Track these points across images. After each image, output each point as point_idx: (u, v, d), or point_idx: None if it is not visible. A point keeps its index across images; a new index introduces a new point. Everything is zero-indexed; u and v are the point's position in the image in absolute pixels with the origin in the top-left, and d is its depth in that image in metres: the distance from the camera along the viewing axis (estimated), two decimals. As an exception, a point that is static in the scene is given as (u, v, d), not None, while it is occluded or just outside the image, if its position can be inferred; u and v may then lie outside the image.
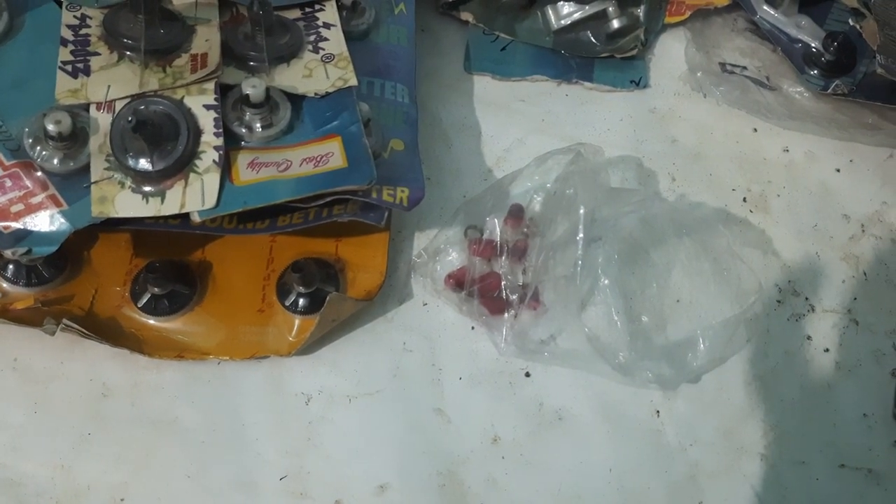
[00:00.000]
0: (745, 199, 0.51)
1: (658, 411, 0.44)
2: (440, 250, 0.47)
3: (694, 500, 0.42)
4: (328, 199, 0.39)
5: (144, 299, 0.43)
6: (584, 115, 0.54)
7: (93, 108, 0.39)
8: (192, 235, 0.45)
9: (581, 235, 0.44)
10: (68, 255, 0.44)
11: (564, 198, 0.45)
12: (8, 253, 0.38)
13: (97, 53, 0.40)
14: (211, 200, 0.38)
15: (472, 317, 0.46)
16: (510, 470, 0.42)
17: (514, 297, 0.45)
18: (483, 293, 0.45)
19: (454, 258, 0.47)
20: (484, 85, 0.55)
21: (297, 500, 0.40)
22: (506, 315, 0.45)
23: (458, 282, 0.46)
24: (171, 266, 0.43)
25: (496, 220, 0.46)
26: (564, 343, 0.45)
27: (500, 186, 0.48)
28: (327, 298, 0.41)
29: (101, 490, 0.40)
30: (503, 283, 0.45)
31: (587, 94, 0.55)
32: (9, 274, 0.42)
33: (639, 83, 0.55)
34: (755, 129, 0.54)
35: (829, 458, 0.44)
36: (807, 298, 0.49)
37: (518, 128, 0.53)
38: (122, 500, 0.40)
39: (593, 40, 0.56)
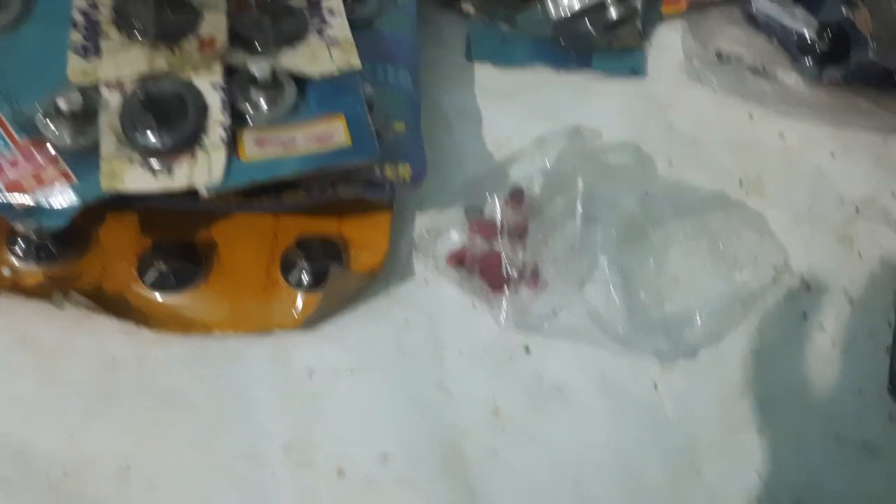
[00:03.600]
0: (741, 183, 0.52)
1: (656, 385, 0.45)
2: (441, 230, 0.48)
3: (691, 471, 0.43)
4: (332, 175, 0.40)
5: (152, 276, 0.44)
6: (583, 102, 0.55)
7: (103, 88, 0.40)
8: (198, 216, 0.46)
9: (580, 211, 0.45)
10: (77, 234, 0.45)
11: (563, 176, 0.46)
12: (19, 227, 0.39)
13: (107, 36, 0.41)
14: (218, 175, 0.39)
15: (473, 294, 0.47)
16: (510, 442, 0.43)
17: (515, 274, 0.46)
18: (484, 271, 0.46)
19: (455, 238, 0.48)
20: (485, 73, 0.56)
21: (302, 470, 0.41)
22: (506, 292, 0.46)
23: (459, 260, 0.47)
24: (178, 245, 0.44)
25: (496, 201, 0.47)
26: (564, 318, 0.46)
27: (499, 167, 0.49)
28: (331, 272, 0.42)
29: (109, 459, 0.41)
30: (503, 260, 0.46)
31: (586, 82, 0.56)
32: (19, 251, 0.43)
33: (637, 72, 0.57)
34: (751, 116, 0.55)
35: (824, 431, 0.45)
36: (802, 277, 0.49)
37: (518, 114, 0.54)
38: (128, 468, 0.40)
39: (592, 31, 0.57)
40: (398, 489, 0.41)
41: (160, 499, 0.40)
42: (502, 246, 0.47)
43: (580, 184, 0.45)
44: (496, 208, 0.47)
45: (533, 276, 0.46)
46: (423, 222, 0.49)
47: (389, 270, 0.47)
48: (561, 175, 0.47)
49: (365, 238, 0.46)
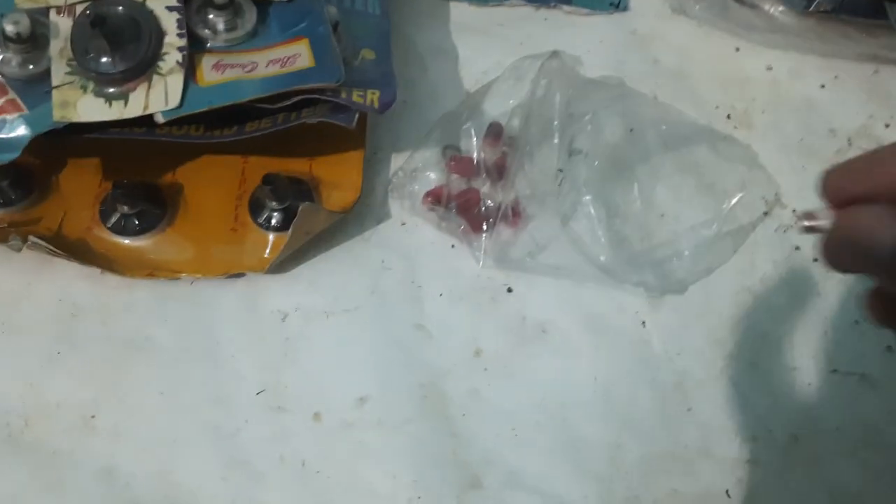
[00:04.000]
0: (728, 117, 0.50)
1: (644, 322, 0.43)
2: (417, 169, 0.46)
3: (682, 408, 0.41)
4: (296, 99, 0.38)
5: (114, 219, 0.42)
6: (563, 38, 0.53)
7: (52, 13, 0.38)
8: (162, 157, 0.44)
9: (558, 142, 0.43)
10: (35, 178, 0.43)
11: (543, 107, 0.44)
12: (-33, 161, 0.37)
13: (57, -40, 0.39)
14: (175, 100, 0.37)
15: (451, 233, 0.45)
16: (493, 382, 0.41)
17: (494, 212, 0.44)
18: (462, 209, 0.44)
19: (432, 177, 0.46)
20: (461, 11, 0.54)
21: (275, 414, 0.39)
22: (485, 230, 0.44)
23: (436, 199, 0.45)
24: (141, 185, 0.42)
25: (473, 137, 0.46)
26: (547, 256, 0.44)
27: (475, 100, 0.47)
28: (300, 208, 0.40)
29: (72, 407, 0.39)
30: (482, 198, 0.44)
31: (566, 17, 0.54)
32: (-26, 195, 0.41)
33: (618, 5, 0.54)
34: (737, 49, 0.53)
35: (820, 363, 0.43)
36: (794, 210, 0.47)
37: (496, 52, 0.52)
38: (92, 416, 0.39)
39: (571, -36, 0.55)
40: (377, 432, 0.39)
41: (126, 446, 0.38)
42: (480, 184, 0.45)
43: (559, 114, 0.42)
44: (473, 145, 0.45)
45: (513, 214, 0.44)
46: (398, 162, 0.47)
47: (365, 212, 0.45)
48: (540, 106, 0.45)
49: (336, 177, 0.44)
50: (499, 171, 0.45)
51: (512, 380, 0.41)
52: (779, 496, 0.39)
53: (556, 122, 0.42)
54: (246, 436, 0.39)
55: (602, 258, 0.42)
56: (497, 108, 0.47)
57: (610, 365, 0.42)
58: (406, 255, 0.45)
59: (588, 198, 0.45)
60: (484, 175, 0.45)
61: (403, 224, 0.46)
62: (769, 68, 0.53)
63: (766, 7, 0.54)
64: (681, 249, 0.45)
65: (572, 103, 0.43)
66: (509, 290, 0.44)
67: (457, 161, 0.46)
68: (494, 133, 0.46)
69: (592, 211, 0.44)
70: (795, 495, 0.39)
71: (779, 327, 0.44)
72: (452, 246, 0.45)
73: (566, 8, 0.54)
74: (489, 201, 0.44)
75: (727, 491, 0.39)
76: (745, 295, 0.45)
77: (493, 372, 0.42)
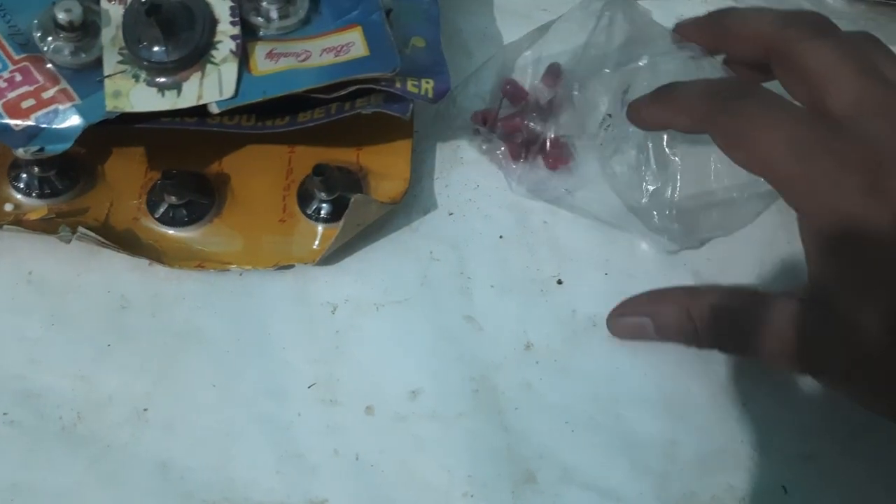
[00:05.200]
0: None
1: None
2: (469, 95, 0.46)
3: (738, 403, 0.41)
4: (350, 89, 0.38)
5: (161, 209, 0.41)
6: (608, 24, 0.52)
7: (104, 1, 0.37)
8: (208, 147, 0.43)
9: (608, 82, 0.42)
10: (81, 168, 0.42)
11: (600, 38, 0.43)
12: (20, 151, 0.36)
13: (106, -54, 0.38)
14: (229, 90, 0.36)
15: (490, 157, 0.45)
16: (545, 375, 0.41)
17: (535, 142, 0.44)
18: (506, 133, 0.45)
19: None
20: (505, -5, 0.53)
21: (328, 407, 0.39)
22: (522, 158, 0.44)
23: (483, 119, 0.45)
24: (189, 175, 0.42)
25: (529, 74, 0.46)
26: (582, 195, 0.44)
27: (537, 37, 0.47)
28: (352, 200, 0.39)
29: (124, 400, 0.38)
30: (526, 129, 0.44)
31: (611, 2, 0.53)
32: (21, 185, 0.41)
33: (666, -8, 0.53)
34: (787, 35, 0.52)
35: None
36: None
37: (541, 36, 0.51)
38: (145, 409, 0.38)
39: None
40: (430, 425, 0.39)
41: (179, 440, 0.38)
42: (531, 117, 0.45)
43: (615, 57, 0.42)
44: (527, 80, 0.46)
45: (553, 147, 0.44)
46: (444, 152, 0.47)
47: (412, 202, 0.45)
48: (597, 47, 0.44)
49: (385, 167, 0.44)
50: (551, 108, 0.45)
51: (564, 374, 0.41)
52: (837, 492, 0.39)
53: (609, 67, 0.42)
54: (299, 429, 0.39)
55: (637, 202, 0.42)
56: (559, 47, 0.47)
57: (663, 359, 0.42)
58: (454, 245, 0.44)
59: (633, 147, 0.44)
60: (534, 111, 0.45)
61: (451, 214, 0.45)
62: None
63: (817, -9, 0.54)
64: (711, 204, 0.44)
65: (631, 47, 0.43)
66: (559, 282, 0.43)
67: (512, 86, 0.46)
68: (553, 73, 0.46)
69: (634, 158, 0.44)
70: (854, 491, 0.39)
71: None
72: (500, 236, 0.44)
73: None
74: (534, 131, 0.44)
75: (784, 487, 0.39)
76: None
77: (544, 366, 0.41)
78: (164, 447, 0.38)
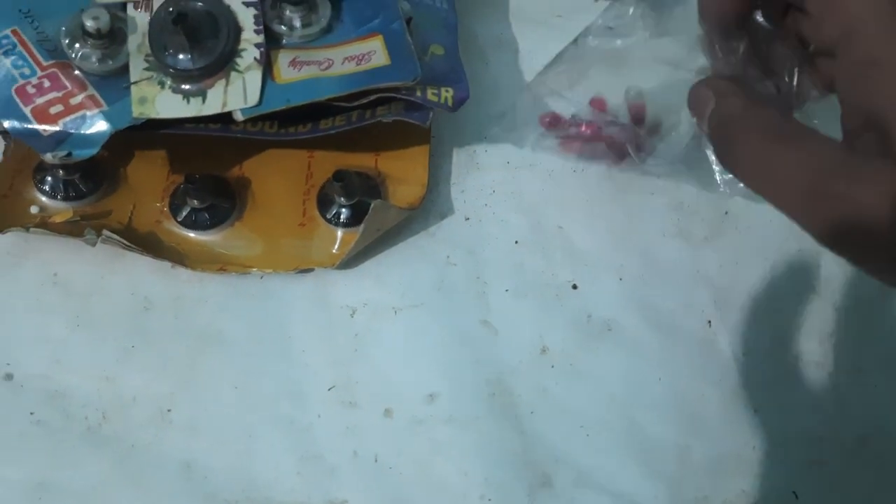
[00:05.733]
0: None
1: (710, 322, 0.43)
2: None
3: (749, 409, 0.41)
4: (372, 97, 0.38)
5: (184, 213, 0.42)
6: (623, 30, 0.53)
7: (130, 7, 0.38)
8: (229, 151, 0.44)
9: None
10: (105, 171, 0.43)
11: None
12: (48, 156, 0.37)
13: (132, -47, 0.39)
14: (253, 98, 0.37)
15: (575, 151, 0.46)
16: (560, 379, 0.41)
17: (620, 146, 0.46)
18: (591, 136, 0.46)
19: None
20: (520, 1, 0.53)
21: (347, 409, 0.40)
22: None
23: (555, 120, 0.47)
24: (211, 179, 0.42)
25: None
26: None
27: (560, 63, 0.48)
28: (372, 205, 0.40)
29: (148, 401, 0.39)
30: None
31: (627, 9, 0.54)
32: (47, 188, 0.41)
33: (679, -2, 0.54)
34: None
35: (886, 364, 0.43)
36: (859, 209, 0.47)
37: (556, 43, 0.51)
38: (168, 410, 0.39)
39: (633, -47, 0.54)
40: (447, 429, 0.40)
41: (203, 440, 0.39)
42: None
43: None
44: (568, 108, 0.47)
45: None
46: (460, 157, 0.47)
47: (429, 207, 0.45)
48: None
49: (403, 172, 0.44)
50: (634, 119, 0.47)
51: (579, 378, 0.42)
52: (846, 498, 0.40)
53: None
54: (319, 431, 0.39)
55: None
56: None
57: (676, 365, 0.42)
58: (471, 250, 0.45)
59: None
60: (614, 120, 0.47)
61: (467, 219, 0.46)
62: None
63: None
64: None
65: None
66: (574, 286, 0.44)
67: (552, 118, 0.47)
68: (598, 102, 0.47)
69: None
70: (863, 498, 0.40)
71: (844, 328, 0.44)
72: (516, 242, 0.45)
73: (627, -1, 0.54)
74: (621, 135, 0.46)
75: (794, 492, 0.40)
76: (811, 295, 0.45)
77: (559, 370, 0.42)
78: (187, 447, 0.38)
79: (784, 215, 0.29)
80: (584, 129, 0.46)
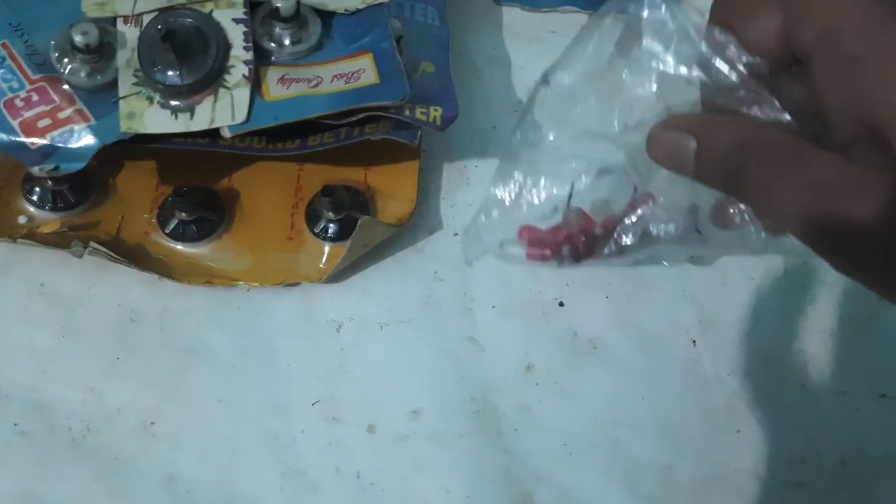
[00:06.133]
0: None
1: (694, 341, 0.43)
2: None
3: (732, 430, 0.41)
4: (360, 115, 0.38)
5: (172, 225, 0.42)
6: (615, 46, 0.53)
7: (119, 22, 0.38)
8: (218, 163, 0.44)
9: None
10: (93, 182, 0.43)
11: None
12: (35, 170, 0.37)
13: (123, -33, 0.39)
14: (241, 115, 0.37)
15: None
16: (545, 397, 0.42)
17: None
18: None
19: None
20: (513, 16, 0.53)
21: (331, 424, 0.40)
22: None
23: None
24: (199, 192, 0.43)
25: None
26: None
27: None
28: (359, 222, 0.40)
29: (132, 413, 0.39)
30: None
31: (619, 25, 0.54)
32: (35, 198, 0.41)
33: (672, 15, 0.54)
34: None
35: (870, 387, 0.43)
36: (846, 231, 0.47)
37: (548, 59, 0.50)
38: (152, 423, 0.39)
39: (625, -30, 0.54)
40: (430, 445, 0.40)
41: (186, 453, 0.39)
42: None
43: None
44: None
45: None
46: (451, 173, 0.47)
47: (418, 222, 0.46)
48: None
49: (392, 187, 0.44)
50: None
51: (563, 396, 0.42)
52: (826, 521, 0.40)
53: None
54: (302, 446, 0.39)
55: None
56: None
57: (660, 384, 0.42)
58: (458, 265, 0.45)
59: None
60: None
61: (456, 235, 0.46)
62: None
63: None
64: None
65: None
66: (560, 304, 0.44)
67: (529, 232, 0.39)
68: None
69: None
70: (843, 520, 0.40)
71: (829, 350, 0.44)
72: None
73: (620, 16, 0.54)
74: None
75: (775, 514, 0.40)
76: (797, 316, 0.45)
77: (544, 388, 0.42)
78: (170, 460, 0.38)
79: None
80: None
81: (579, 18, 0.54)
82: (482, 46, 0.52)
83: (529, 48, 0.52)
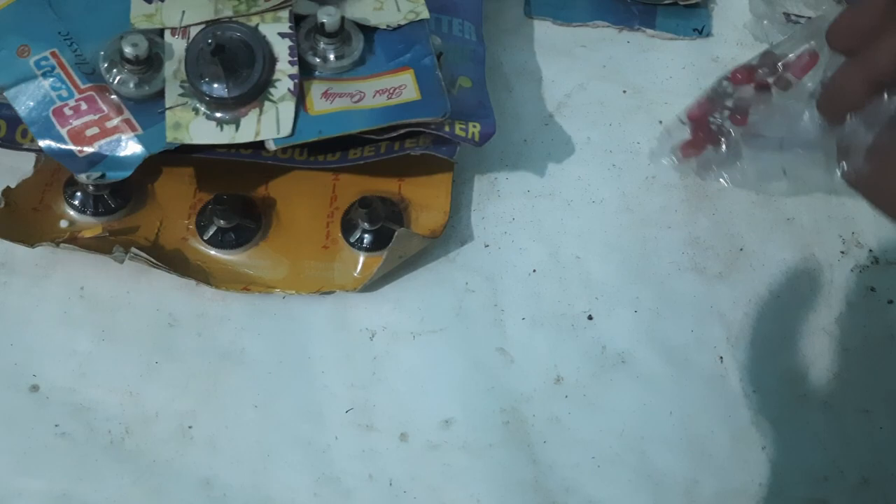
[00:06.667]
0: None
1: (721, 357, 0.44)
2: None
3: (757, 446, 0.42)
4: (401, 131, 0.39)
5: (210, 232, 0.43)
6: (645, 62, 0.53)
7: (167, 34, 0.38)
8: (255, 171, 0.44)
9: None
10: (133, 187, 0.44)
11: None
12: (82, 177, 0.38)
13: (170, -21, 0.40)
14: (286, 129, 0.37)
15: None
16: (573, 410, 0.42)
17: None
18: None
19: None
20: (544, 29, 0.54)
21: (364, 432, 0.41)
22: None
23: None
24: (238, 200, 0.43)
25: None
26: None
27: None
28: (395, 234, 0.40)
29: (170, 417, 0.40)
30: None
31: (649, 41, 0.54)
32: (76, 202, 0.42)
33: (701, 31, 0.54)
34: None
35: (892, 406, 0.44)
36: (870, 250, 0.48)
37: (579, 73, 0.52)
38: (189, 427, 0.40)
39: (657, -15, 0.55)
40: (460, 455, 0.41)
41: (221, 457, 0.39)
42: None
43: None
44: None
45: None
46: (482, 184, 0.48)
47: (449, 233, 0.46)
48: None
49: (426, 198, 0.45)
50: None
51: (591, 409, 0.42)
52: (849, 538, 0.41)
53: None
54: (336, 452, 0.40)
55: None
56: None
57: (687, 399, 0.43)
58: (489, 277, 0.46)
59: None
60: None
61: (487, 246, 0.46)
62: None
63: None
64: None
65: None
66: (589, 317, 0.45)
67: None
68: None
69: None
70: (865, 538, 0.41)
71: (852, 369, 0.45)
72: (533, 270, 0.46)
73: (649, 31, 0.54)
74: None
75: (799, 530, 0.41)
76: (820, 335, 0.45)
77: (573, 400, 0.43)
78: (207, 464, 0.39)
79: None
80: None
81: (609, 33, 0.54)
82: (513, 59, 0.52)
83: (560, 62, 0.53)
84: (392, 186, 0.45)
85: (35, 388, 0.40)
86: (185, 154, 0.39)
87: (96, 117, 0.37)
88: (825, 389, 0.44)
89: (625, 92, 0.52)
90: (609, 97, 0.52)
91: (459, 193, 0.48)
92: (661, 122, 0.51)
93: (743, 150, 0.44)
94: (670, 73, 0.53)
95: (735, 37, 0.55)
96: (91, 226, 0.42)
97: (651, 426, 0.42)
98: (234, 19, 0.39)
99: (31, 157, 0.44)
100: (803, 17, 0.55)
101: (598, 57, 0.53)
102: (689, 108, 0.45)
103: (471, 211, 0.47)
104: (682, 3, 0.54)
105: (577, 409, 0.42)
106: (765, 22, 0.54)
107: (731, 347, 0.44)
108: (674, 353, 0.44)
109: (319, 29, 0.39)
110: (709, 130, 0.44)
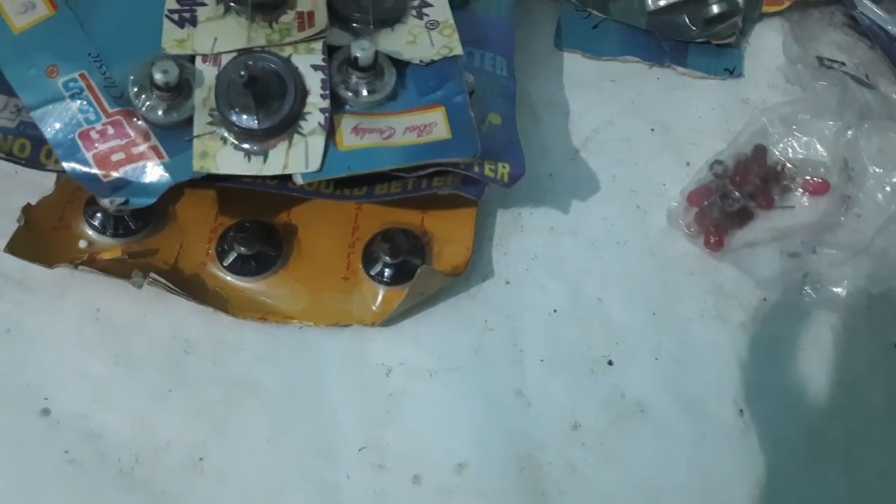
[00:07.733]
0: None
1: (742, 411, 0.43)
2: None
3: (774, 500, 0.41)
4: (430, 170, 0.38)
5: (230, 258, 0.42)
6: (674, 100, 0.53)
7: (198, 60, 0.38)
8: (278, 198, 0.44)
9: None
10: (154, 209, 0.43)
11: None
12: (105, 202, 0.37)
13: (204, 4, 0.39)
14: (315, 163, 0.37)
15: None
16: (590, 458, 0.42)
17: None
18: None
19: None
20: (574, 62, 0.53)
21: (376, 472, 0.40)
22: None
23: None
24: (260, 227, 0.43)
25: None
26: None
27: None
28: (418, 271, 0.40)
29: (181, 447, 0.39)
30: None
31: (679, 79, 0.54)
32: (96, 223, 0.42)
33: (733, 72, 0.54)
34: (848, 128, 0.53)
35: (913, 470, 0.43)
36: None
37: (607, 108, 0.52)
38: (200, 459, 0.39)
39: (689, 24, 0.54)
40: (474, 501, 0.40)
41: (231, 492, 0.39)
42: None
43: None
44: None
45: None
46: (504, 219, 0.47)
47: (470, 268, 0.45)
48: None
49: (448, 232, 0.44)
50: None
51: (609, 459, 0.42)
52: None
53: None
54: (347, 491, 0.39)
55: None
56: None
57: (706, 451, 0.42)
58: (509, 315, 0.45)
59: None
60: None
61: (508, 283, 0.46)
62: (882, 152, 0.52)
63: (884, 88, 0.54)
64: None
65: None
66: (609, 362, 0.44)
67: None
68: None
69: None
70: None
71: (873, 426, 0.44)
72: (554, 310, 0.45)
73: (680, 69, 0.54)
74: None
75: (813, 592, 0.40)
76: (841, 390, 0.45)
77: (590, 448, 0.42)
78: (216, 498, 0.39)
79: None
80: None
81: (639, 69, 0.54)
82: (541, 91, 0.52)
83: (588, 96, 0.52)
84: (415, 219, 0.45)
85: (46, 411, 0.40)
86: (211, 182, 0.38)
87: (123, 142, 0.37)
88: (844, 446, 0.43)
89: (653, 130, 0.52)
90: (636, 134, 0.51)
91: (482, 227, 0.47)
92: (688, 163, 0.50)
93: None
94: (699, 112, 0.53)
95: (767, 79, 0.54)
96: (110, 247, 0.42)
97: (668, 478, 0.41)
98: (266, 49, 0.38)
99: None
100: (836, 61, 0.55)
101: (627, 92, 0.53)
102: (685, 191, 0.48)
103: (493, 245, 0.47)
104: (714, 41, 0.54)
105: (594, 457, 0.42)
106: (799, 66, 0.53)
107: (751, 400, 0.44)
108: (694, 404, 0.43)
109: (352, 62, 0.38)
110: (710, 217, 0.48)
